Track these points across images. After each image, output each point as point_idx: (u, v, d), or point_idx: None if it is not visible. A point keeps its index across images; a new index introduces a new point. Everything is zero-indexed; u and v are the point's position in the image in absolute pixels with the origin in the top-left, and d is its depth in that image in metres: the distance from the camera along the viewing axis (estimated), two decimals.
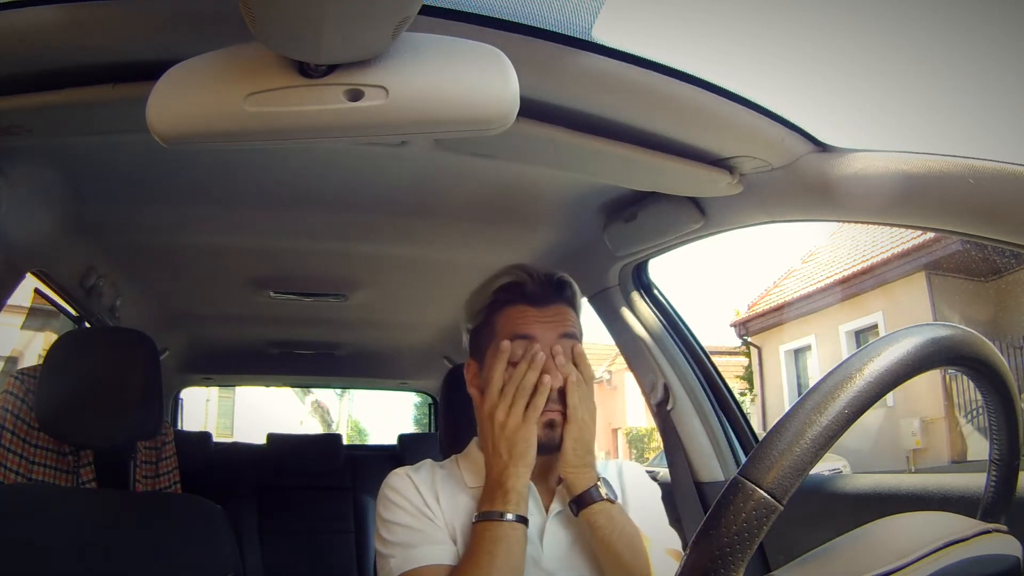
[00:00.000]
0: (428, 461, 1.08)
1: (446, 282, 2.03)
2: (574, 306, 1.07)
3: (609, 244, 1.56)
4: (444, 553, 0.96)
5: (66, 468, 1.42)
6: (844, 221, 1.24)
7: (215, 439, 3.13)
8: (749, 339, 12.78)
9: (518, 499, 0.95)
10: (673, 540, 1.05)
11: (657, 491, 1.14)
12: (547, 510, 1.03)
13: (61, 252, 1.60)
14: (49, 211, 1.42)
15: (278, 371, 3.28)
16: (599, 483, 0.99)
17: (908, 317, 8.72)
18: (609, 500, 0.98)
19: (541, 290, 1.04)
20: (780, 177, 1.15)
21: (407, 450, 3.13)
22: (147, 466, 1.69)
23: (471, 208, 1.53)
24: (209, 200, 1.49)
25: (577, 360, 1.01)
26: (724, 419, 1.64)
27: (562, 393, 0.99)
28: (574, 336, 1.03)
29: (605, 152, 1.08)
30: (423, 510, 0.99)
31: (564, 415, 1.00)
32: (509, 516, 0.93)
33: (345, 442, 3.25)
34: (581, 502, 0.98)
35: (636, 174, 1.21)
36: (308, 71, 0.72)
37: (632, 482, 1.12)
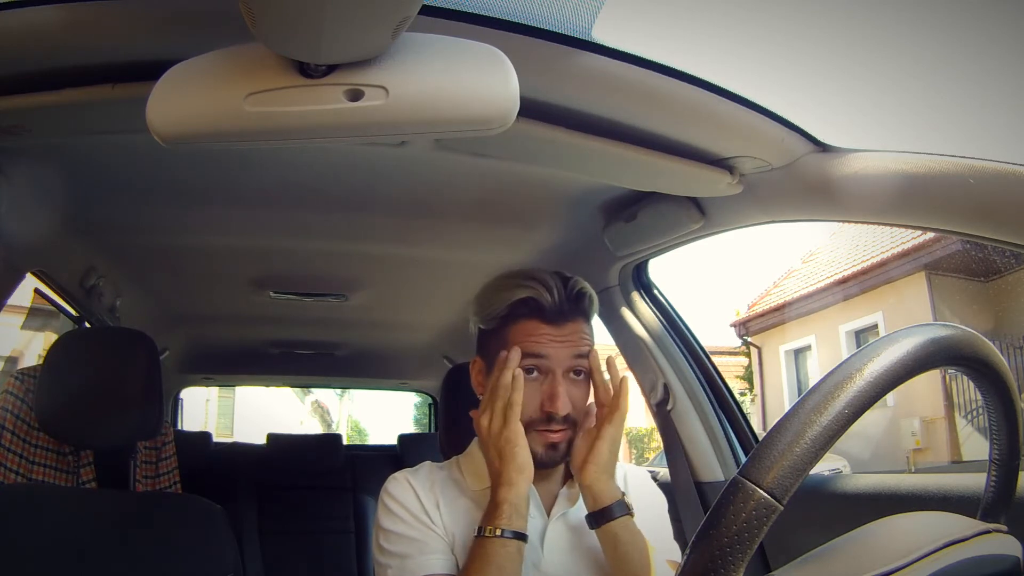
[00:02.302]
0: (427, 463, 1.07)
1: (446, 282, 2.03)
2: (589, 317, 1.04)
3: (609, 244, 1.56)
4: (441, 563, 0.95)
5: (66, 468, 1.42)
6: (844, 221, 1.24)
7: (215, 439, 3.12)
8: (749, 339, 12.78)
9: (512, 512, 0.92)
10: (675, 553, 1.04)
11: (663, 503, 1.12)
12: (548, 513, 1.02)
13: (61, 252, 1.60)
14: (49, 211, 1.42)
15: (278, 371, 3.28)
16: (623, 496, 0.98)
17: (908, 317, 8.72)
18: (630, 514, 0.97)
19: (558, 308, 1.00)
20: (780, 177, 1.15)
21: (407, 450, 3.12)
22: (147, 466, 1.69)
23: (471, 208, 1.52)
24: (209, 200, 1.49)
25: (608, 369, 1.02)
26: (724, 419, 1.65)
27: (568, 417, 0.98)
28: (587, 355, 1.01)
29: (605, 152, 1.08)
30: (421, 518, 0.98)
31: (569, 438, 0.99)
32: (501, 532, 0.92)
33: (345, 442, 3.25)
34: (604, 516, 0.96)
35: (636, 174, 1.21)
36: (308, 71, 0.72)
37: (636, 487, 1.10)
